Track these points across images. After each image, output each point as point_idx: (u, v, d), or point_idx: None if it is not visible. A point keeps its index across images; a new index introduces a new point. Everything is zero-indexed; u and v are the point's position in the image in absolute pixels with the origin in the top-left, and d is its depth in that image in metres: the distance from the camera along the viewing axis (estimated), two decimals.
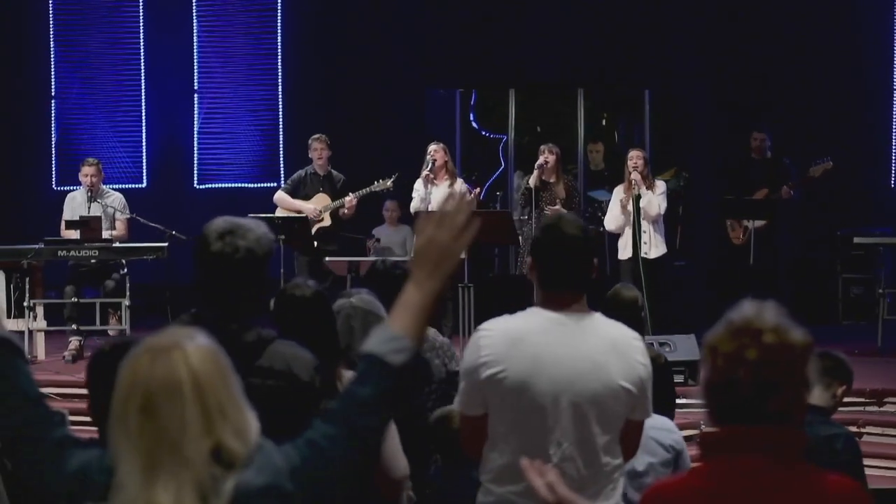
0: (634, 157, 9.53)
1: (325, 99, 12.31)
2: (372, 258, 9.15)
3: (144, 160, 12.80)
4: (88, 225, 9.54)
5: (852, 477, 2.34)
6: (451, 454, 4.23)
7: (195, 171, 12.76)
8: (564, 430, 3.18)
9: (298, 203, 9.90)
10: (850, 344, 8.70)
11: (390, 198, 10.60)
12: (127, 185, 11.90)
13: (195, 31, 12.73)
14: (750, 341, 2.13)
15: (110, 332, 9.64)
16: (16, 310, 9.26)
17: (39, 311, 9.47)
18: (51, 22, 12.85)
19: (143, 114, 12.80)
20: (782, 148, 10.58)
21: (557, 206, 9.54)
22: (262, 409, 2.13)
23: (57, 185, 12.55)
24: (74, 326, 9.46)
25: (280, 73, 12.67)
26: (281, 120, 12.64)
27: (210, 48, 12.75)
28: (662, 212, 9.54)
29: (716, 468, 2.19)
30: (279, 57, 12.65)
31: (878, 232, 10.30)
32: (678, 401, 5.94)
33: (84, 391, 3.34)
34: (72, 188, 10.50)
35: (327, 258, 9.51)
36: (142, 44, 12.78)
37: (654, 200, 9.45)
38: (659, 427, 4.29)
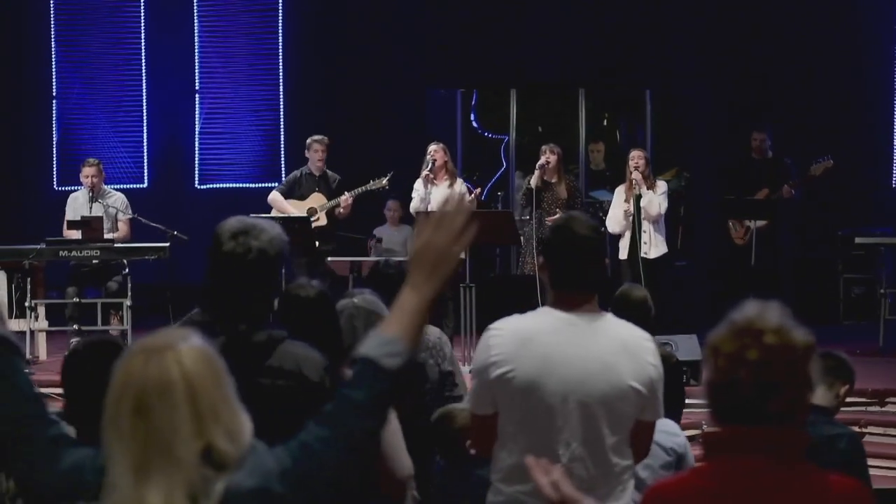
0: (635, 157, 9.53)
1: (326, 99, 12.31)
2: (373, 258, 9.16)
3: (145, 160, 12.80)
4: (90, 225, 9.54)
5: (856, 476, 2.35)
6: (451, 453, 4.23)
7: (196, 172, 12.76)
8: (573, 431, 3.18)
9: (289, 206, 9.83)
10: (851, 344, 8.64)
11: (392, 198, 10.59)
12: (128, 186, 11.91)
13: (196, 31, 12.73)
14: (751, 342, 2.13)
15: (112, 333, 9.64)
16: (17, 310, 9.26)
17: (41, 311, 9.49)
18: (52, 22, 12.86)
19: (145, 114, 12.81)
20: (783, 148, 10.57)
21: (558, 214, 9.50)
22: (271, 409, 2.13)
23: (58, 186, 12.56)
24: (76, 327, 9.45)
25: (281, 73, 12.67)
26: (282, 120, 12.65)
27: (211, 48, 12.75)
28: (663, 212, 9.55)
29: (717, 468, 2.19)
30: (280, 57, 12.66)
31: (879, 232, 10.30)
32: None
33: None
34: (73, 188, 10.51)
35: (329, 258, 9.51)
36: (143, 44, 12.78)
37: (655, 200, 9.46)
38: (660, 430, 4.27)
